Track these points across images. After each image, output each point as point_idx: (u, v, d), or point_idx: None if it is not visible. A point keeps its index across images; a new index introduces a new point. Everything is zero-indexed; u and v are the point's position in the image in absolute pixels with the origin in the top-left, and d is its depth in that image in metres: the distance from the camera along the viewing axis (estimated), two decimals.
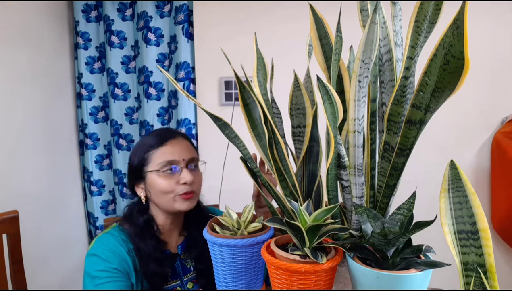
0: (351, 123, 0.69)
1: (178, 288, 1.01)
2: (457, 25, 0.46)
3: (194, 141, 1.96)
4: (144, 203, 1.02)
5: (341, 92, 0.77)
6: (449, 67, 0.50)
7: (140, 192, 1.01)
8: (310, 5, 0.77)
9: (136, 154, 1.02)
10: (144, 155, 0.99)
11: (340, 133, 0.75)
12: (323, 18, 0.77)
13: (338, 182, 0.78)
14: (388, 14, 0.71)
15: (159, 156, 0.97)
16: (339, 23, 0.69)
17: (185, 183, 0.96)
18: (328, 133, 0.74)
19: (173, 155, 0.97)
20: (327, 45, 0.78)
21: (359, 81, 0.64)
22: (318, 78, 0.71)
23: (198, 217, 1.06)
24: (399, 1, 0.70)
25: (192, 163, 1.00)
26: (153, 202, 1.01)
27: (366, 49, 0.62)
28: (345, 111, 0.73)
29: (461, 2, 0.45)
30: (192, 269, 1.04)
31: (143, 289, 0.94)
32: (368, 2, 0.73)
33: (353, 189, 0.73)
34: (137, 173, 1.00)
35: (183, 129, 1.93)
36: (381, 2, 0.64)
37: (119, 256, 0.94)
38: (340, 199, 0.80)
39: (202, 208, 1.09)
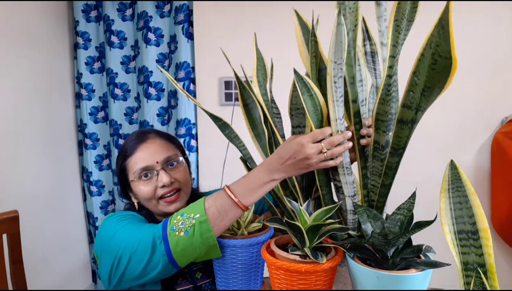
0: (333, 124, 0.70)
1: (188, 276, 0.99)
2: (442, 25, 0.47)
3: (194, 140, 1.96)
4: (137, 207, 1.01)
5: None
6: (437, 67, 0.50)
7: (133, 198, 1.01)
8: (296, 11, 0.78)
9: (117, 163, 1.01)
10: (122, 164, 0.98)
11: None
12: (308, 23, 0.79)
13: (332, 182, 0.79)
14: (373, 15, 0.72)
15: (133, 165, 0.95)
16: (313, 28, 0.71)
17: (163, 186, 0.94)
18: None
19: (145, 161, 0.94)
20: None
21: (335, 82, 0.66)
22: (295, 71, 0.71)
23: None
24: (383, 1, 0.71)
25: (169, 161, 0.97)
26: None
27: (336, 50, 0.63)
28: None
29: (446, 1, 0.46)
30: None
31: (154, 289, 0.92)
32: (361, 1, 0.74)
33: (345, 188, 0.73)
34: (122, 181, 1.00)
35: (183, 130, 1.93)
36: (365, 2, 0.65)
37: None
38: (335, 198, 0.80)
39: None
